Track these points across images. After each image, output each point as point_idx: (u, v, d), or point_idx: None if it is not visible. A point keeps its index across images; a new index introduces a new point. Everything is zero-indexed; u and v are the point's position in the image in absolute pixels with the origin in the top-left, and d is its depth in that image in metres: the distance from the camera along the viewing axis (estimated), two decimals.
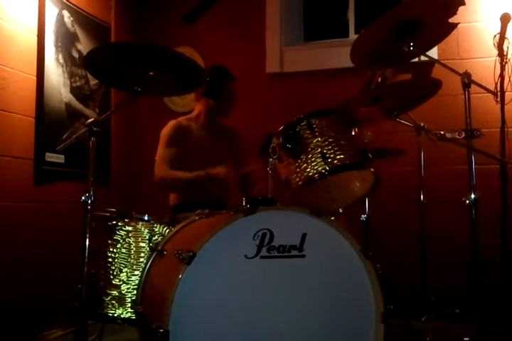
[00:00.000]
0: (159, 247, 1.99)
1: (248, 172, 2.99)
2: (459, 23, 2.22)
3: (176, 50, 2.16)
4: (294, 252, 1.78)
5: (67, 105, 3.34)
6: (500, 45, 2.84)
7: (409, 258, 3.18)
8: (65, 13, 3.34)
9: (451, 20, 2.24)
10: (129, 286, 2.19)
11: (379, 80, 2.85)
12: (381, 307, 1.84)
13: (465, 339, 2.21)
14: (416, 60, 2.61)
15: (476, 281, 2.18)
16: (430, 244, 3.05)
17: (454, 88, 2.56)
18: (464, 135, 2.18)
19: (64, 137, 3.24)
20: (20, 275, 2.93)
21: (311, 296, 1.80)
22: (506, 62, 2.86)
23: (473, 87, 2.18)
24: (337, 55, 3.60)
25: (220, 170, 2.57)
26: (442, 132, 2.24)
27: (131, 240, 2.24)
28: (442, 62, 2.63)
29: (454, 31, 2.29)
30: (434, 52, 3.35)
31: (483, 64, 3.40)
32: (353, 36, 3.92)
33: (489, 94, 2.64)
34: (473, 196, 2.16)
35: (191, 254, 1.63)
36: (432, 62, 3.08)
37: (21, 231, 2.95)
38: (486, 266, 2.26)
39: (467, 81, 2.16)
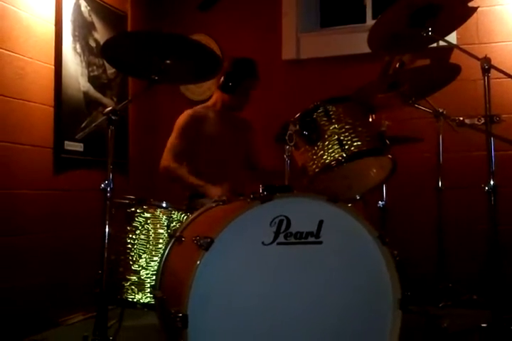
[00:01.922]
0: (177, 233, 2.01)
1: (264, 167, 2.99)
2: (478, 7, 2.19)
3: (192, 38, 2.16)
4: (310, 239, 1.78)
5: (85, 94, 3.37)
6: None
7: (426, 245, 3.17)
8: (82, 3, 3.35)
9: (470, 4, 2.21)
10: (148, 272, 2.22)
11: (397, 66, 2.82)
12: (398, 294, 1.84)
13: (483, 325, 2.20)
14: (434, 45, 2.56)
15: (494, 268, 2.17)
16: (448, 230, 3.04)
17: (473, 73, 2.53)
18: (483, 121, 2.16)
19: (82, 126, 3.27)
20: (42, 261, 2.99)
21: (327, 283, 1.81)
22: None
23: (493, 72, 2.15)
24: (354, 40, 3.57)
25: (216, 192, 2.47)
26: (461, 118, 2.22)
27: (150, 226, 2.27)
28: (461, 46, 2.59)
29: (473, 15, 2.26)
30: (452, 37, 3.29)
31: (504, 48, 3.34)
32: (370, 21, 3.87)
33: (509, 79, 2.57)
34: (492, 182, 2.14)
35: (209, 240, 1.64)
36: (451, 47, 3.04)
37: (42, 219, 3.01)
38: (505, 253, 2.24)
39: (487, 66, 2.12)
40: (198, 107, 2.91)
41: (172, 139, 2.77)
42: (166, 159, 2.73)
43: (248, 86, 2.80)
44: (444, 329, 2.43)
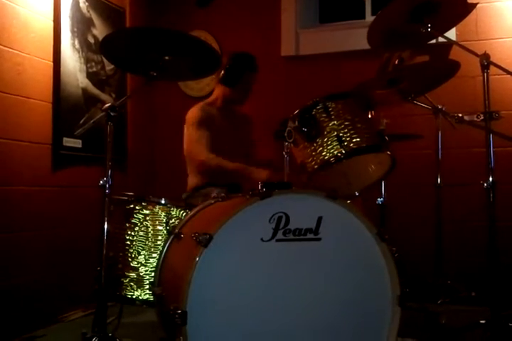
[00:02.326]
0: (176, 230, 2.01)
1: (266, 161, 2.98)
2: (477, 3, 2.19)
3: (191, 34, 2.15)
4: (309, 235, 1.79)
5: (84, 90, 3.36)
6: None
7: (425, 241, 3.17)
8: None
9: (469, 0, 2.21)
10: (147, 268, 2.22)
11: (396, 62, 2.81)
12: (397, 290, 1.85)
13: (481, 322, 2.21)
14: (433, 41, 2.57)
15: (492, 264, 2.17)
16: (447, 227, 3.05)
17: (472, 69, 2.52)
18: (482, 117, 2.16)
19: (81, 122, 3.26)
20: (41, 258, 2.99)
21: (326, 279, 1.81)
22: None
23: (492, 69, 2.15)
24: (353, 37, 3.56)
25: (262, 174, 2.45)
26: (460, 114, 2.22)
27: (149, 223, 2.26)
28: (460, 43, 2.59)
29: (473, 11, 2.26)
30: (452, 34, 3.29)
31: (503, 45, 3.34)
32: (369, 18, 3.87)
33: (508, 76, 2.58)
34: (491, 179, 2.14)
35: (208, 237, 1.64)
36: (450, 43, 3.04)
37: (40, 215, 3.00)
38: (503, 250, 2.25)
39: (486, 62, 2.12)
40: (202, 103, 2.91)
41: (193, 132, 2.74)
42: (200, 153, 2.69)
43: (248, 79, 2.83)
44: (443, 326, 2.44)
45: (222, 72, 2.79)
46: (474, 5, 2.21)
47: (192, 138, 2.75)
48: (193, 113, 2.81)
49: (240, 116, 3.02)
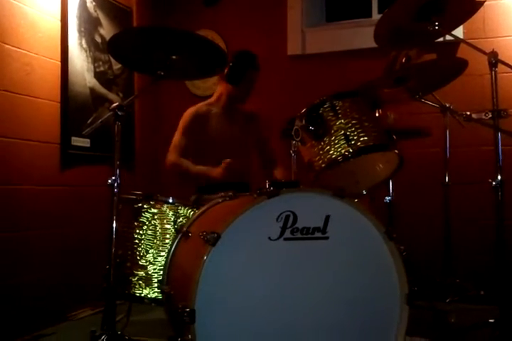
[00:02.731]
0: (184, 229, 2.02)
1: (272, 159, 3.00)
2: (485, 1, 2.18)
3: (198, 34, 2.16)
4: (317, 234, 1.79)
5: (92, 90, 3.38)
6: None
7: (433, 240, 3.16)
8: None
9: None
10: (155, 267, 2.24)
11: (403, 60, 2.81)
12: (405, 289, 1.84)
13: (490, 321, 2.20)
14: (441, 39, 2.55)
15: (501, 263, 2.17)
16: (455, 225, 3.04)
17: (480, 68, 2.51)
18: (490, 115, 2.15)
19: (89, 121, 3.28)
20: (50, 257, 3.01)
21: (334, 278, 1.81)
22: None
23: (500, 67, 2.14)
24: (360, 35, 3.56)
25: (218, 171, 2.60)
26: (468, 113, 2.21)
27: (157, 222, 2.27)
28: (468, 41, 2.58)
29: (480, 9, 2.24)
30: (459, 32, 3.28)
31: (511, 42, 3.32)
32: (376, 16, 3.86)
33: None
34: (499, 177, 2.13)
35: (216, 236, 1.65)
36: (458, 41, 3.02)
37: (49, 214, 3.02)
38: (511, 248, 2.24)
39: (494, 60, 2.12)
40: (201, 104, 2.93)
41: (176, 137, 2.84)
42: (171, 155, 2.80)
43: (251, 77, 2.86)
44: (451, 325, 2.43)
45: (226, 70, 2.81)
46: (482, 3, 2.20)
47: (172, 143, 2.83)
48: (183, 118, 2.87)
49: (247, 114, 3.02)
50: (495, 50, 2.14)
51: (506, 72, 2.52)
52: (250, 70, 2.85)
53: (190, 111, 2.87)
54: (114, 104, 2.05)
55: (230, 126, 2.89)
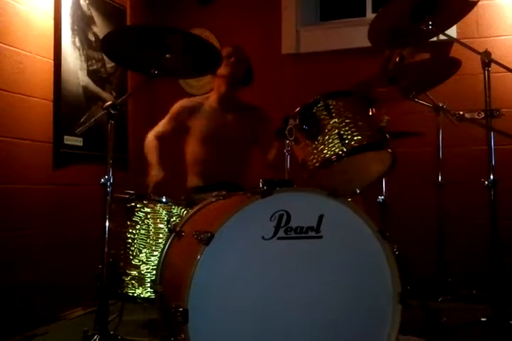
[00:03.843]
0: (177, 228, 2.01)
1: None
2: (478, 1, 2.18)
3: (192, 32, 2.15)
4: (311, 233, 1.79)
5: (85, 88, 3.36)
6: None
7: (426, 239, 3.18)
8: None
9: None
10: (148, 266, 2.23)
11: (397, 60, 2.81)
12: (398, 288, 1.84)
13: (482, 319, 2.21)
14: (434, 39, 2.56)
15: (493, 262, 2.18)
16: (448, 225, 3.05)
17: (473, 67, 2.53)
18: (483, 115, 2.16)
19: (82, 120, 3.26)
20: (42, 256, 2.99)
21: (328, 277, 1.81)
22: None
23: (493, 66, 2.15)
24: (354, 34, 3.56)
25: (154, 174, 2.66)
26: (461, 112, 2.22)
27: (150, 221, 2.27)
28: (461, 40, 2.58)
29: (474, 9, 2.25)
30: (453, 31, 3.29)
31: (504, 42, 3.33)
32: (370, 15, 3.86)
33: (509, 74, 2.58)
34: (492, 177, 2.14)
35: (209, 235, 1.64)
36: (451, 41, 3.04)
37: (41, 214, 3.00)
38: (504, 247, 2.25)
39: (487, 60, 2.12)
40: (197, 97, 2.97)
41: (163, 121, 2.93)
42: (150, 133, 2.90)
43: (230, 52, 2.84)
44: (444, 323, 2.44)
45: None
46: (475, 2, 2.20)
47: (158, 125, 2.94)
48: (174, 106, 2.94)
49: (245, 106, 2.93)
50: (488, 49, 2.15)
51: (499, 72, 2.53)
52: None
53: (180, 102, 2.94)
54: (108, 103, 2.05)
55: (223, 123, 2.86)
